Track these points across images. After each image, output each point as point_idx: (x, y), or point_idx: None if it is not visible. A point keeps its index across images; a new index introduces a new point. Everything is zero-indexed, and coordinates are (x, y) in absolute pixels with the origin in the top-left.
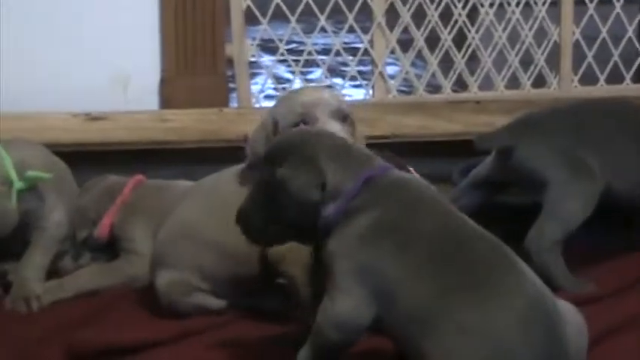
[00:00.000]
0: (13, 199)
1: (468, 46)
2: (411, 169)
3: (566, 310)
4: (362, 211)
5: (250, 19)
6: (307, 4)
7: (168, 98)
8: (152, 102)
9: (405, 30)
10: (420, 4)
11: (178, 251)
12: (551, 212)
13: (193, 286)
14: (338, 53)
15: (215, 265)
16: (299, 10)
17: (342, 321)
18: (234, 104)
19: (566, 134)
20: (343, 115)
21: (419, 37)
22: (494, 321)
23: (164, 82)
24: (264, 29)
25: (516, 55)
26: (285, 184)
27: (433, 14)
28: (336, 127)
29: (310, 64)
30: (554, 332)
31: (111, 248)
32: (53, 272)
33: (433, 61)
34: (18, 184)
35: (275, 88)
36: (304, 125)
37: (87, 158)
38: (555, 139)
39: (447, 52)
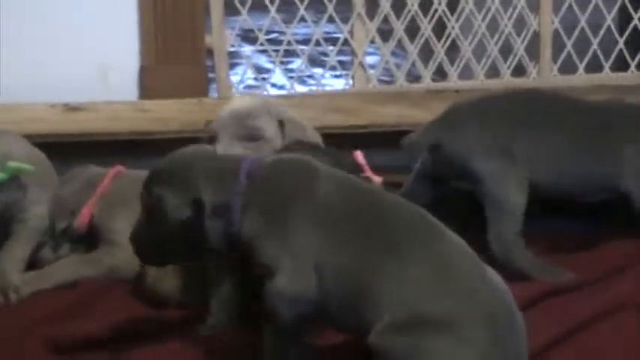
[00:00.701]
0: None
1: (448, 36)
2: (358, 152)
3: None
4: (256, 201)
5: (230, 8)
6: None
7: (147, 88)
8: (132, 92)
9: (385, 20)
10: None
11: None
12: (495, 209)
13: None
14: (318, 43)
15: None
16: (278, 0)
17: (286, 296)
18: (214, 94)
19: (489, 125)
20: (251, 135)
21: (399, 27)
22: (421, 272)
23: (143, 72)
24: (244, 19)
25: (496, 44)
26: (160, 205)
27: (413, 4)
28: (231, 149)
29: (290, 54)
30: (480, 276)
31: (90, 239)
32: (32, 263)
33: (413, 50)
34: None
35: (255, 78)
36: (213, 142)
37: (66, 149)
38: (479, 131)
39: (426, 42)
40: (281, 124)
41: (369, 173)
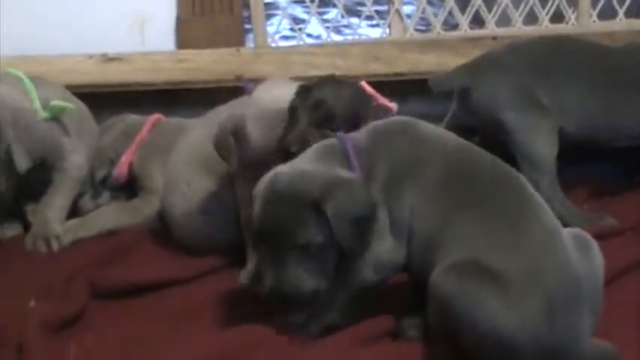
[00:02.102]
0: None
1: None
2: (363, 83)
3: (577, 238)
4: (372, 166)
5: None
6: None
7: (184, 39)
8: (169, 43)
9: None
10: None
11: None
12: (528, 160)
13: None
14: None
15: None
16: None
17: (381, 263)
18: (250, 45)
19: (520, 72)
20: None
21: None
22: (492, 229)
23: (180, 23)
24: None
25: None
26: (347, 212)
27: None
28: None
29: (326, 4)
30: (550, 248)
31: (130, 187)
32: (73, 212)
33: None
34: (42, 114)
35: (291, 29)
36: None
37: (104, 100)
38: (506, 81)
39: None
40: None
41: (382, 101)
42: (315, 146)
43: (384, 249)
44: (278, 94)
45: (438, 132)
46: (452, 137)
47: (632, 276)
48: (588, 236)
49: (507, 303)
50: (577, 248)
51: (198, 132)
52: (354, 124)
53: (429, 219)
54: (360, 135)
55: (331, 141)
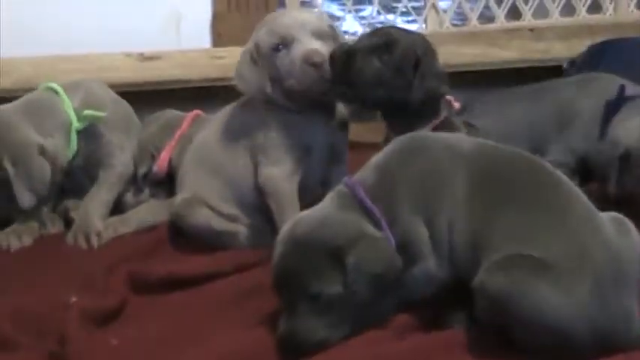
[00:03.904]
0: (74, 140)
1: None
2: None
3: (614, 220)
4: (391, 198)
5: None
6: None
7: (219, 36)
8: (204, 40)
9: None
10: None
11: (194, 174)
12: None
13: (204, 206)
14: None
15: (225, 187)
16: None
17: (430, 278)
18: None
19: None
20: (323, 33)
21: None
22: (532, 220)
23: (216, 20)
24: None
25: None
26: (368, 268)
27: None
28: (315, 45)
29: (362, 1)
30: (592, 229)
31: (169, 184)
32: (116, 207)
33: None
34: (76, 125)
35: None
36: (284, 47)
37: (142, 98)
38: None
39: None
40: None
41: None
42: (331, 194)
43: (431, 265)
44: None
45: (451, 138)
46: (467, 139)
47: None
48: (625, 219)
49: (560, 290)
50: (616, 230)
51: (204, 132)
52: (406, 67)
53: (467, 224)
54: (367, 173)
55: (342, 189)
